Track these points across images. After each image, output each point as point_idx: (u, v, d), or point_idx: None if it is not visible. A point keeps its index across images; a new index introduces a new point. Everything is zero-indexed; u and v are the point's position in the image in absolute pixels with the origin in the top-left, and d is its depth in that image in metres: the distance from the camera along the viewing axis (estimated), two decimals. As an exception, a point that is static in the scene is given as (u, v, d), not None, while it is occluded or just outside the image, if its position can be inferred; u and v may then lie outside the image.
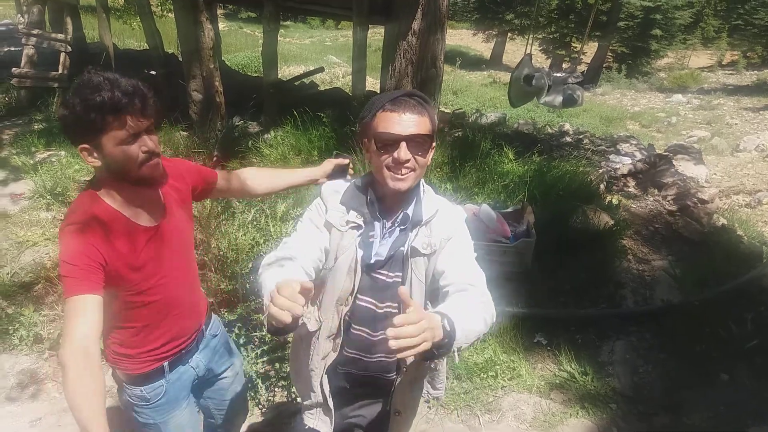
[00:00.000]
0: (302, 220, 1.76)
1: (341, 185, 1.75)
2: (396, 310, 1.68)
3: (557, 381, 3.57)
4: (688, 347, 3.78)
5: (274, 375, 3.23)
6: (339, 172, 2.13)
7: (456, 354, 1.33)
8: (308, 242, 1.68)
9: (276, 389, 3.26)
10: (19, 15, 9.92)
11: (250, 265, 3.36)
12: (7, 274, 4.23)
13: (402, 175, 1.60)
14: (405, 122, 1.56)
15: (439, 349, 1.28)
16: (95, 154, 1.57)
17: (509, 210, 4.75)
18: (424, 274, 1.68)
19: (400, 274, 1.68)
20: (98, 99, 1.48)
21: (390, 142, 1.57)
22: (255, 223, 3.79)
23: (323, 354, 1.77)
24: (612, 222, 4.99)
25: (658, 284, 4.51)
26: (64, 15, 7.96)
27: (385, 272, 1.69)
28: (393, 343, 1.14)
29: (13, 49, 9.40)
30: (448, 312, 1.32)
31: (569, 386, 3.51)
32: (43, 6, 7.87)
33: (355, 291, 1.69)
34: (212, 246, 3.38)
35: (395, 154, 1.56)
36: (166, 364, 1.88)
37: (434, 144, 1.67)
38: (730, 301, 4.14)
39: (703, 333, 3.82)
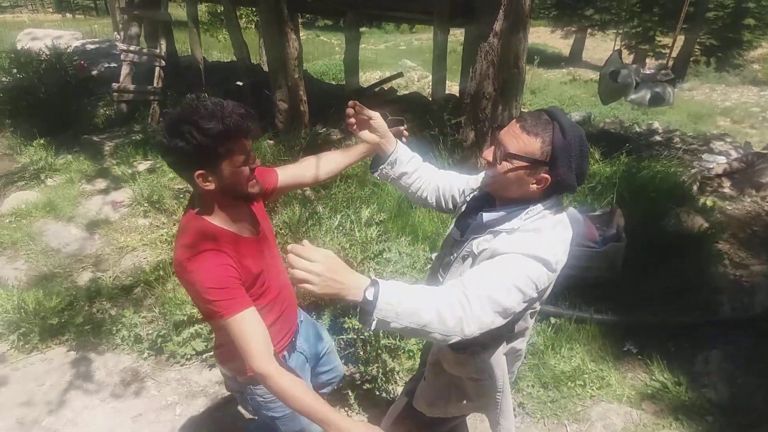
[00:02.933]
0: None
1: None
2: None
3: (649, 391, 3.45)
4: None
5: (359, 378, 3.30)
6: (395, 135, 2.04)
7: (373, 322, 1.30)
8: (455, 177, 2.04)
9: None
10: (115, 33, 10.52)
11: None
12: (110, 277, 4.51)
13: (486, 174, 1.71)
14: (511, 130, 1.56)
15: (358, 311, 1.31)
16: (210, 179, 1.62)
17: (597, 213, 4.63)
18: None
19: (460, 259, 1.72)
20: (221, 127, 1.53)
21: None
22: (341, 228, 3.87)
23: None
24: (707, 225, 4.78)
25: (758, 290, 4.27)
26: (159, 31, 8.37)
27: (457, 249, 1.75)
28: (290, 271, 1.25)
29: (113, 65, 9.98)
30: (384, 284, 1.32)
31: (661, 397, 3.38)
32: (139, 23, 8.32)
33: (442, 251, 1.88)
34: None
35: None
36: (285, 353, 2.05)
37: (526, 165, 1.54)
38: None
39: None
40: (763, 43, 26.61)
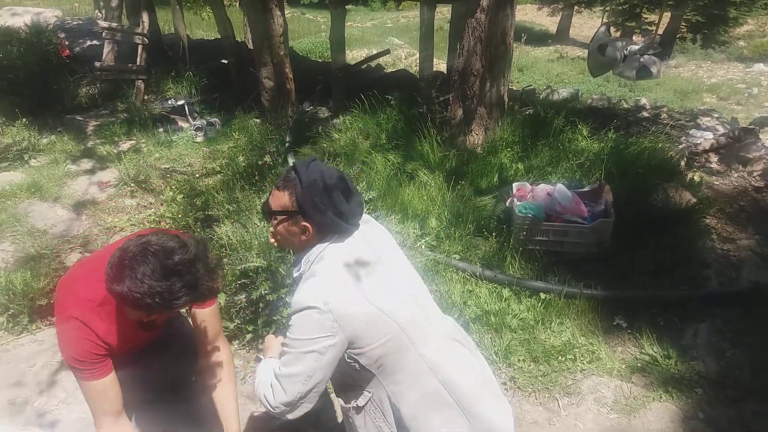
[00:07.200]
0: None
1: None
2: None
3: (638, 364, 3.48)
4: (779, 330, 3.62)
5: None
6: None
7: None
8: None
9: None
10: (96, 11, 10.30)
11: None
12: (98, 258, 4.47)
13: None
14: (273, 191, 1.80)
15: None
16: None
17: (586, 189, 4.64)
18: None
19: None
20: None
21: None
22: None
23: None
24: (694, 200, 4.81)
25: (745, 264, 4.32)
26: (141, 9, 8.21)
27: None
28: None
29: (95, 43, 9.76)
30: (262, 363, 1.88)
31: (651, 370, 3.42)
32: (120, 1, 8.16)
33: None
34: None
35: None
36: None
37: (286, 218, 1.76)
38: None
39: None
40: (749, 19, 26.59)
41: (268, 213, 1.81)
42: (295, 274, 1.80)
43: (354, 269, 1.71)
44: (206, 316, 2.04)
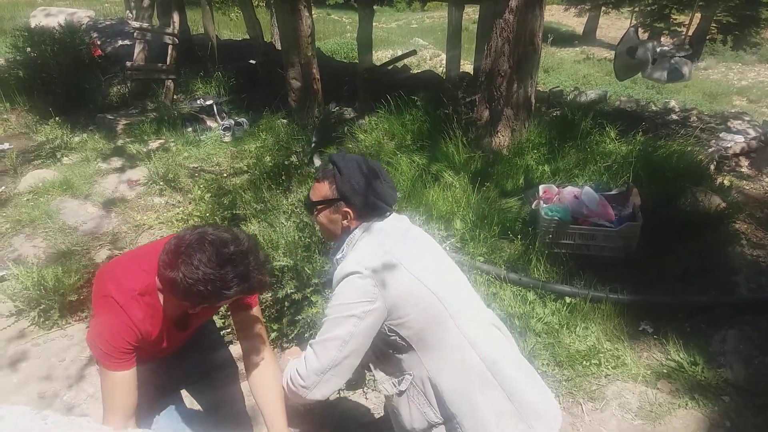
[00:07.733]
0: None
1: None
2: None
3: (664, 370, 3.44)
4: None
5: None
6: None
7: None
8: None
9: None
10: (128, 11, 10.46)
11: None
12: (127, 255, 4.55)
13: None
14: (313, 186, 1.94)
15: None
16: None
17: (613, 192, 4.60)
18: None
19: None
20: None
21: None
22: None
23: None
24: (724, 204, 4.73)
25: (775, 271, 4.25)
26: (172, 9, 8.33)
27: None
28: None
29: (126, 42, 9.92)
30: None
31: (677, 376, 3.37)
32: (152, 1, 8.29)
33: None
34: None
35: None
36: None
37: (324, 206, 1.87)
38: None
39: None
40: (782, 20, 26.06)
41: (310, 205, 1.92)
42: (338, 256, 1.87)
43: (395, 244, 1.80)
44: (251, 314, 2.06)
